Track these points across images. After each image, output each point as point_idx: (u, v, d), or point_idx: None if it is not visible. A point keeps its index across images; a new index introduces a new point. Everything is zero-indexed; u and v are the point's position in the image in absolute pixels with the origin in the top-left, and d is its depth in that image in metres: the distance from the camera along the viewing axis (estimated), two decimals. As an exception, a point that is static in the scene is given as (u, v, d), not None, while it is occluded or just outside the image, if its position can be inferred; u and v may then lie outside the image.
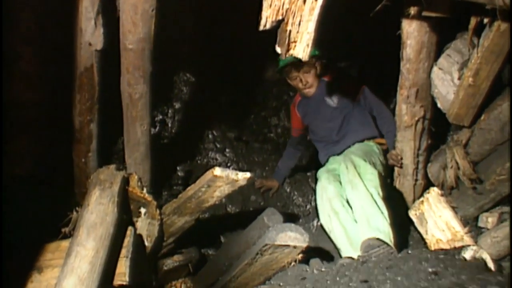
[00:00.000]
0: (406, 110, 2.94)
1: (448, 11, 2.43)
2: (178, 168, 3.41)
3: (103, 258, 2.28)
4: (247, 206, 3.44)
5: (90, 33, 2.44)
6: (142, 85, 2.50)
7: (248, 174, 2.53)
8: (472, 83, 2.60)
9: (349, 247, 2.84)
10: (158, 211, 2.76)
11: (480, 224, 2.89)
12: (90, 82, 2.60)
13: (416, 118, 2.95)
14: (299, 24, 2.26)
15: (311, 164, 3.76)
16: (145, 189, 2.74)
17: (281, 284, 2.63)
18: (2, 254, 2.29)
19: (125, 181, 2.67)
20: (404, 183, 3.25)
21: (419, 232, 2.97)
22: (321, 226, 3.15)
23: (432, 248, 2.81)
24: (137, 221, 2.77)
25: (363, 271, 2.41)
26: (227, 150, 3.60)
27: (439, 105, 2.85)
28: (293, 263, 2.74)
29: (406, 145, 3.10)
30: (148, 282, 2.86)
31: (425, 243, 2.92)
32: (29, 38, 2.43)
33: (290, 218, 3.17)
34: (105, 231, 2.37)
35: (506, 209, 2.79)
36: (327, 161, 3.42)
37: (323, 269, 2.62)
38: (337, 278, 2.43)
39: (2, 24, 2.30)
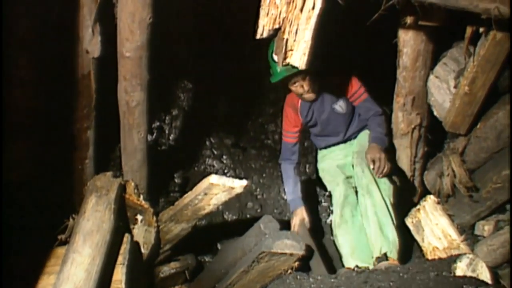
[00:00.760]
0: (403, 118, 2.95)
1: (444, 20, 2.45)
2: (175, 175, 3.40)
3: (99, 266, 2.28)
4: (244, 213, 3.44)
5: (88, 41, 2.45)
6: (139, 92, 2.50)
7: (244, 182, 2.54)
8: (468, 92, 2.62)
9: (349, 256, 2.91)
10: (154, 218, 2.76)
11: (477, 232, 2.89)
12: (87, 89, 2.61)
13: (413, 126, 2.96)
14: (296, 32, 2.27)
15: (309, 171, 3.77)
16: (141, 196, 2.74)
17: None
18: (2, 255, 2.28)
19: (122, 188, 2.67)
20: (401, 190, 3.26)
21: (415, 240, 2.98)
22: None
23: (429, 256, 2.81)
24: (133, 228, 2.77)
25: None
26: (224, 156, 3.60)
27: (435, 113, 2.86)
28: (289, 271, 2.74)
29: (403, 153, 3.11)
30: (145, 290, 2.86)
31: (421, 250, 2.93)
32: (26, 45, 2.44)
33: (287, 225, 3.17)
34: (102, 238, 2.37)
35: (502, 217, 2.80)
36: (325, 148, 3.49)
37: (319, 277, 2.63)
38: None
39: (1, 30, 2.31)
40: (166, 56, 3.27)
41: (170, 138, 3.54)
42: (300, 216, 3.25)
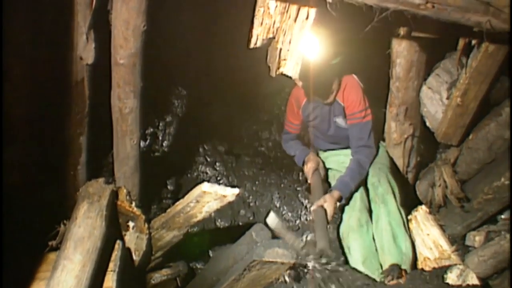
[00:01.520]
0: (395, 128, 2.96)
1: (437, 32, 2.47)
2: (167, 181, 3.40)
3: (90, 272, 2.27)
4: (236, 220, 3.43)
5: (82, 47, 2.45)
6: (132, 99, 2.50)
7: (236, 190, 2.54)
8: (461, 103, 2.64)
9: (360, 263, 2.83)
10: (146, 225, 2.75)
11: (468, 242, 2.91)
12: (80, 95, 2.60)
13: (405, 136, 2.98)
14: (290, 42, 2.29)
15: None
16: (133, 203, 2.74)
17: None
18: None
19: (114, 195, 2.67)
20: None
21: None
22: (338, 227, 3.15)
23: (420, 266, 2.82)
24: (125, 235, 2.76)
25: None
26: (217, 163, 3.60)
27: (427, 123, 2.88)
28: (280, 280, 2.75)
29: (395, 163, 3.13)
30: (136, 297, 2.85)
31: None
32: (20, 51, 2.43)
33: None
34: (93, 245, 2.36)
35: (493, 227, 2.82)
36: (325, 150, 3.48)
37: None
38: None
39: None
40: (160, 63, 3.27)
41: (164, 144, 3.54)
42: (313, 161, 3.20)
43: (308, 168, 3.21)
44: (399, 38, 2.56)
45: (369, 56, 3.03)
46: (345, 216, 3.05)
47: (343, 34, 2.60)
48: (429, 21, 2.19)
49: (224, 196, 2.54)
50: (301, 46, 2.29)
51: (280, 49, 2.29)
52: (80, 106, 2.63)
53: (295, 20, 2.24)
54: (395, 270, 2.68)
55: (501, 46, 2.41)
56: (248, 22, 2.32)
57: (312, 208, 2.90)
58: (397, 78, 2.77)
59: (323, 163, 3.33)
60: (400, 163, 3.09)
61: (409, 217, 2.96)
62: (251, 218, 3.44)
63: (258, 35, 2.28)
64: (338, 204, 2.95)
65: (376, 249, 2.88)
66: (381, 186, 2.94)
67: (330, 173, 3.36)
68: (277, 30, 2.28)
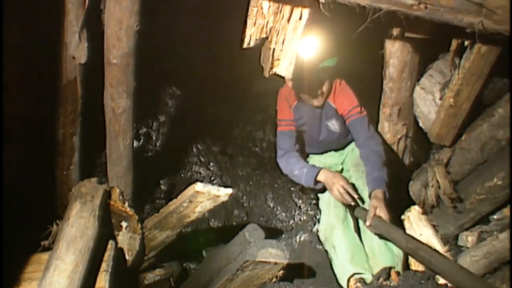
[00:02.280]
0: (389, 128, 2.97)
1: (429, 33, 2.47)
2: (161, 181, 3.39)
3: (82, 272, 2.26)
4: (230, 220, 3.43)
5: (74, 47, 2.44)
6: (125, 99, 2.50)
7: (229, 190, 2.53)
8: (453, 104, 2.65)
9: (348, 261, 2.74)
10: (139, 225, 2.74)
11: (460, 242, 2.91)
12: (73, 95, 2.60)
13: (398, 136, 2.98)
14: (283, 42, 2.29)
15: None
16: (126, 203, 2.73)
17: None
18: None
19: (107, 195, 2.66)
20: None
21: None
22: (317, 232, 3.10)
23: (413, 266, 2.83)
24: (118, 234, 2.75)
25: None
26: (211, 164, 3.59)
27: (420, 124, 2.89)
28: (274, 280, 2.74)
29: (389, 163, 3.14)
30: (129, 296, 2.84)
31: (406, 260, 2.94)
32: (13, 51, 2.42)
33: (273, 233, 3.17)
34: (85, 245, 2.35)
35: (486, 228, 2.82)
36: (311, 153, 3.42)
37: None
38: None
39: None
40: (154, 63, 3.27)
41: (157, 144, 3.53)
42: (340, 178, 2.86)
43: (340, 186, 2.84)
44: (392, 39, 2.57)
45: (362, 56, 3.04)
46: (322, 216, 3.02)
47: (337, 34, 2.59)
48: (422, 22, 2.20)
49: (217, 196, 2.54)
50: (297, 46, 2.30)
51: (274, 49, 2.29)
52: (73, 105, 2.62)
53: (288, 21, 2.25)
54: (388, 272, 2.64)
55: (493, 47, 2.42)
56: (242, 22, 2.33)
57: (368, 223, 2.67)
58: (390, 79, 2.77)
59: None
60: (393, 163, 3.10)
61: (402, 217, 2.97)
62: (244, 218, 3.45)
63: (251, 35, 2.29)
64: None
65: (363, 245, 2.83)
66: (367, 190, 2.84)
67: None
68: (270, 30, 2.28)
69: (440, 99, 2.73)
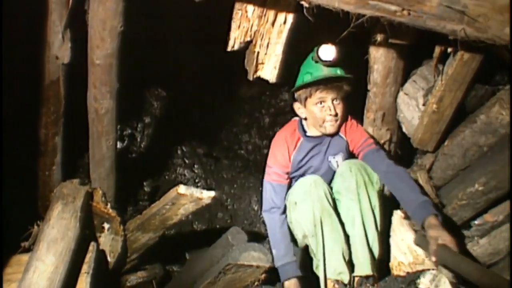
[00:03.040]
0: (373, 133, 2.97)
1: (413, 39, 2.49)
2: (144, 183, 3.38)
3: (63, 274, 2.24)
4: (214, 223, 3.43)
5: (58, 47, 2.43)
6: (108, 100, 2.49)
7: (212, 193, 2.53)
8: (436, 110, 2.67)
9: (342, 261, 2.53)
10: (121, 227, 2.73)
11: (442, 248, 2.93)
12: (56, 95, 2.58)
13: (382, 141, 2.99)
14: (267, 46, 2.30)
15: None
16: (109, 205, 2.71)
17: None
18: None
19: (89, 196, 2.64)
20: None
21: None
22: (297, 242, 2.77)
23: (394, 271, 2.84)
24: (100, 236, 2.73)
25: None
26: (195, 166, 3.59)
27: (404, 129, 2.90)
28: (256, 283, 2.74)
29: (372, 168, 3.15)
30: (110, 299, 2.83)
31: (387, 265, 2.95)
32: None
33: (256, 237, 3.17)
34: (66, 246, 2.33)
35: (467, 233, 2.85)
36: None
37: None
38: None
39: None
40: (139, 65, 3.25)
41: (141, 146, 3.52)
42: None
43: None
44: (376, 45, 2.58)
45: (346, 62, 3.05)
46: (302, 205, 2.63)
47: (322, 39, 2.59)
48: (405, 28, 2.22)
49: (200, 199, 2.54)
50: (282, 49, 2.29)
51: (258, 53, 2.30)
52: (55, 106, 2.61)
53: (273, 24, 2.26)
54: (369, 280, 2.55)
55: (475, 55, 2.44)
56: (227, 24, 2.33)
57: (433, 259, 2.34)
58: (375, 84, 2.78)
59: None
60: (377, 168, 3.11)
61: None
62: (228, 221, 3.45)
63: (235, 38, 2.29)
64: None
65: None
66: (353, 177, 2.59)
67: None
68: (254, 33, 2.29)
69: (424, 105, 2.75)
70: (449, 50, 2.51)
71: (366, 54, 2.73)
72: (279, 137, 2.82)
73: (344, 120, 2.72)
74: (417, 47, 2.62)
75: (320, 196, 2.57)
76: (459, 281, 2.38)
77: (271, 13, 2.24)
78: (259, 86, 3.40)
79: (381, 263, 2.69)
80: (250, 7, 2.23)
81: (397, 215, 2.92)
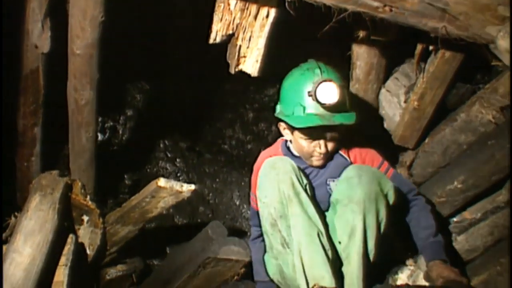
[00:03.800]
0: (354, 130, 2.99)
1: (395, 36, 2.50)
2: (125, 176, 3.36)
3: (40, 266, 2.23)
4: (195, 217, 3.42)
5: (37, 36, 2.39)
6: (88, 91, 2.46)
7: (192, 186, 2.53)
8: (417, 107, 2.68)
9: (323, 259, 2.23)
10: (101, 220, 2.71)
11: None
12: (35, 85, 2.54)
13: (364, 139, 3.00)
14: (250, 39, 2.29)
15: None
16: (88, 197, 2.70)
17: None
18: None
19: (68, 188, 2.62)
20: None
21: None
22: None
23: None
24: (79, 229, 2.71)
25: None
26: (178, 160, 3.57)
27: (385, 126, 2.92)
28: (235, 277, 2.75)
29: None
30: (89, 291, 2.81)
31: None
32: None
33: (237, 231, 3.17)
34: (44, 238, 2.31)
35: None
36: None
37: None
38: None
39: None
40: (122, 57, 3.22)
41: (123, 138, 3.49)
42: None
43: None
44: (358, 41, 2.58)
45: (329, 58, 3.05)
46: (271, 191, 2.29)
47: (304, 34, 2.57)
48: (387, 25, 2.22)
49: (180, 192, 2.53)
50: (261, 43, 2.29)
51: (240, 46, 2.29)
52: (34, 96, 2.57)
53: (255, 18, 2.25)
54: None
55: (457, 53, 2.46)
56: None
57: None
58: (357, 80, 2.78)
59: None
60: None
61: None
62: (210, 216, 3.45)
63: (217, 31, 2.28)
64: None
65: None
66: (362, 187, 2.27)
67: None
68: (237, 26, 2.28)
69: (405, 102, 2.76)
70: (431, 47, 2.52)
71: (349, 50, 2.74)
72: (260, 160, 2.55)
73: (336, 150, 2.42)
74: (399, 45, 2.63)
75: (286, 169, 2.28)
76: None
77: (253, 7, 2.23)
78: (243, 81, 3.38)
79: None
80: (232, 0, 2.22)
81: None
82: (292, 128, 2.35)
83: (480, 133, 2.67)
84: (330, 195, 2.44)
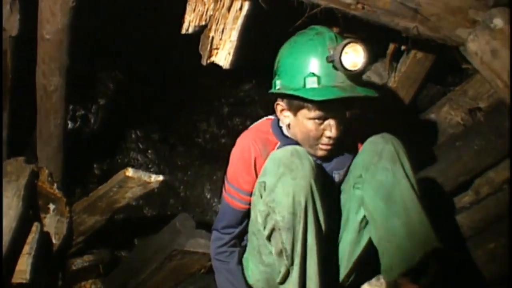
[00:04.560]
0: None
1: (367, 35, 2.51)
2: (95, 165, 3.32)
3: (2, 254, 2.18)
4: (165, 210, 3.40)
5: (6, 18, 2.33)
6: (57, 77, 2.41)
7: (161, 177, 2.51)
8: (389, 106, 2.71)
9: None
10: (67, 208, 2.69)
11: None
12: (3, 69, 2.48)
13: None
14: (223, 31, 2.28)
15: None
16: (55, 185, 2.66)
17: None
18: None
19: (35, 175, 2.58)
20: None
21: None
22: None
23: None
24: (45, 217, 2.67)
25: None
26: (149, 151, 3.53)
27: (358, 124, 2.94)
28: (202, 270, 2.74)
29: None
30: (54, 281, 2.77)
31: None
32: None
33: (207, 225, 3.14)
34: (7, 225, 2.28)
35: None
36: None
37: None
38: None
39: None
40: (97, 45, 3.18)
41: (94, 127, 3.44)
42: None
43: None
44: (332, 38, 2.59)
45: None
46: (282, 197, 1.84)
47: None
48: (359, 23, 2.23)
49: (148, 183, 2.51)
50: (237, 36, 2.25)
51: (212, 38, 2.27)
52: (1, 80, 2.51)
53: (228, 10, 2.23)
54: None
55: (428, 54, 2.50)
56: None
57: None
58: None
59: None
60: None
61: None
62: (180, 208, 3.42)
63: (190, 22, 2.26)
64: None
65: None
66: (389, 142, 1.95)
67: None
68: (210, 18, 2.26)
69: (377, 100, 2.79)
70: (403, 47, 2.55)
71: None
72: (245, 143, 2.06)
73: (343, 137, 2.01)
74: (372, 44, 2.65)
75: (305, 172, 1.82)
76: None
77: (227, -1, 2.22)
78: (219, 75, 3.36)
79: None
80: (206, -9, 2.21)
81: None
82: (297, 107, 1.94)
83: (448, 134, 2.71)
84: (333, 182, 2.14)
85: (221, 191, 2.22)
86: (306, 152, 1.90)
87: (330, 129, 1.93)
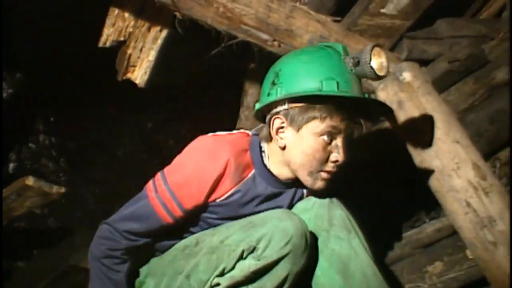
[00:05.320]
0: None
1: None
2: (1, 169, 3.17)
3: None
4: (71, 222, 3.28)
5: None
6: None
7: (62, 189, 2.45)
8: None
9: None
10: (-42, 213, 2.55)
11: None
12: None
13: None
14: (141, 50, 2.28)
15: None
16: None
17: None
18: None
19: None
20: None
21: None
22: None
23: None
24: None
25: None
26: (62, 159, 3.42)
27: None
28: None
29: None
30: None
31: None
32: None
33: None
34: None
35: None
36: None
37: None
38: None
39: None
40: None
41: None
42: None
43: None
44: (250, 69, 2.65)
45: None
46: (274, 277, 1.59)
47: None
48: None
49: (49, 194, 2.44)
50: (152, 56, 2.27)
51: (130, 55, 2.27)
52: None
53: (149, 29, 2.24)
54: None
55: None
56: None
57: None
58: (247, 108, 2.84)
59: None
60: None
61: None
62: (87, 223, 3.32)
63: (108, 36, 2.25)
64: None
65: None
66: (338, 208, 1.75)
67: None
68: (129, 34, 2.26)
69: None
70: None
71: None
72: (219, 153, 1.62)
73: None
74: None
75: (303, 260, 1.59)
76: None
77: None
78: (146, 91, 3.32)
79: None
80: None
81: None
82: (306, 119, 1.58)
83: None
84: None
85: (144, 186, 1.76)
86: (303, 221, 1.61)
87: (338, 151, 1.60)
